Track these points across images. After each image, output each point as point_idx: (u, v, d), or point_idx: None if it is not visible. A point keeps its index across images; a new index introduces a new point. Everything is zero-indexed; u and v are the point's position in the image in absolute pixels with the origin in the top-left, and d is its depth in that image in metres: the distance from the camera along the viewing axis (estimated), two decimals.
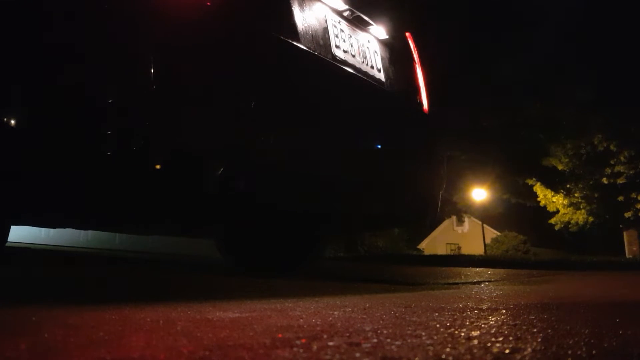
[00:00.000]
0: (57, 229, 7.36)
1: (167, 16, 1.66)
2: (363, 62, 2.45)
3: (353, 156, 2.29)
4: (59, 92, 1.68)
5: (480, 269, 6.40)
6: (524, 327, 1.21)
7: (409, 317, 1.34)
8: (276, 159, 1.92)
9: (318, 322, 1.19)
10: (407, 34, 2.96)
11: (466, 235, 32.19)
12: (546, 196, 18.78)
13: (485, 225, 23.69)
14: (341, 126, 2.22)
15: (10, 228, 2.22)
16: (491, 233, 25.89)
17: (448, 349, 0.92)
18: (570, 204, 18.44)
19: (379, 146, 2.49)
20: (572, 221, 18.72)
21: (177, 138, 1.64)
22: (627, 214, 17.00)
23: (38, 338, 0.88)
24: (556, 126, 16.32)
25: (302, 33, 2.11)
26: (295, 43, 2.05)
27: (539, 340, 1.04)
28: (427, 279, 3.84)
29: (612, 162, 16.30)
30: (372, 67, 2.51)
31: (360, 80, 2.38)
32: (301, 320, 1.22)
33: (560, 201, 18.65)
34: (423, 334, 1.08)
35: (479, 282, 3.53)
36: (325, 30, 2.26)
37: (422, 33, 3.24)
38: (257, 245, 3.26)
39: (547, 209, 19.13)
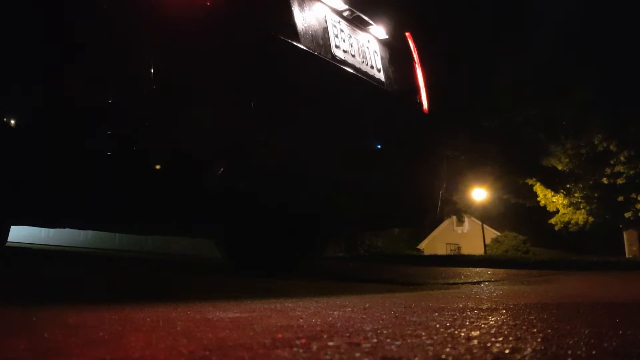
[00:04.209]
0: (57, 229, 7.36)
1: (166, 16, 1.66)
2: (363, 62, 2.45)
3: (353, 156, 2.29)
4: (59, 93, 1.68)
5: (480, 269, 6.40)
6: (524, 327, 1.21)
7: (408, 317, 1.34)
8: (276, 159, 1.92)
9: (318, 322, 1.19)
10: (407, 34, 2.96)
11: (466, 235, 32.18)
12: (546, 196, 18.78)
13: (485, 225, 23.69)
14: (341, 126, 2.22)
15: (10, 228, 2.22)
16: (491, 233, 25.89)
17: (448, 349, 0.92)
18: (570, 204, 18.45)
19: (379, 146, 2.49)
20: (572, 221, 18.73)
21: (176, 138, 1.64)
22: (627, 214, 17.01)
23: (38, 338, 0.88)
24: (556, 126, 16.33)
25: (301, 33, 2.11)
26: (295, 43, 2.05)
27: (539, 340, 1.04)
28: (427, 279, 3.84)
29: (612, 162, 16.31)
30: (372, 67, 2.51)
31: (360, 80, 2.38)
32: (301, 320, 1.22)
33: (560, 201, 18.66)
34: (423, 334, 1.08)
35: (478, 282, 3.53)
36: (325, 30, 2.26)
37: (422, 33, 3.23)
38: (257, 245, 3.26)
39: (547, 209, 19.13)
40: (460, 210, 22.12)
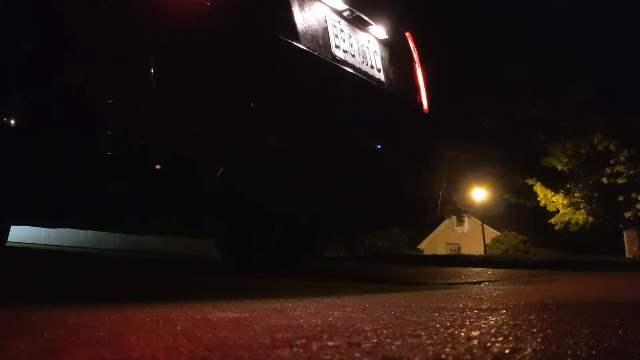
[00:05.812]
0: (57, 229, 7.36)
1: (166, 16, 1.66)
2: (363, 62, 2.45)
3: (353, 156, 2.29)
4: (58, 93, 1.68)
5: (480, 269, 6.40)
6: (524, 327, 1.21)
7: (408, 317, 1.34)
8: (276, 159, 1.93)
9: (318, 322, 1.19)
10: (407, 34, 2.96)
11: (466, 235, 32.16)
12: (546, 196, 18.77)
13: (485, 225, 23.68)
14: (341, 126, 2.22)
15: (10, 228, 2.22)
16: (491, 233, 25.87)
17: (448, 349, 0.92)
18: (570, 204, 18.44)
19: (379, 146, 2.49)
20: (572, 221, 18.72)
21: (176, 138, 1.64)
22: (627, 214, 17.00)
23: (38, 338, 0.88)
24: (556, 126, 16.33)
25: (302, 33, 2.11)
26: (295, 43, 2.05)
27: (539, 340, 1.04)
28: (427, 279, 3.84)
29: (611, 162, 16.30)
30: (372, 67, 2.51)
31: (360, 80, 2.38)
32: (301, 320, 1.22)
33: (560, 201, 18.65)
34: (423, 334, 1.08)
35: (478, 282, 3.53)
36: (325, 30, 2.26)
37: (422, 33, 3.24)
38: (257, 245, 3.26)
39: (547, 209, 19.12)
40: (460, 210, 22.10)
